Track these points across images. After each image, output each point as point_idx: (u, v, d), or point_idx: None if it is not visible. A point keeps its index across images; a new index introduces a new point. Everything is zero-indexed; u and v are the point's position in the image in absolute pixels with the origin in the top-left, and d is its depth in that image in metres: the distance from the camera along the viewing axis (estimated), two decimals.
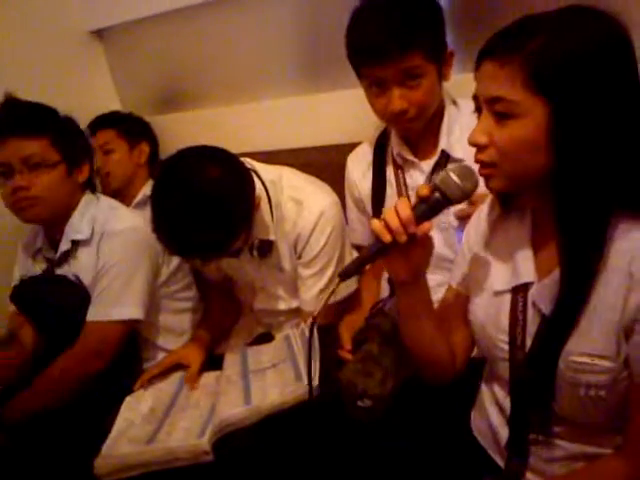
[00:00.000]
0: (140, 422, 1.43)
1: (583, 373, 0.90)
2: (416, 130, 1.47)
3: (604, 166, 0.86)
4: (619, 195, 0.88)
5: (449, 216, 1.44)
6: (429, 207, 0.99)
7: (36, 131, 1.53)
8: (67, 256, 1.61)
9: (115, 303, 1.56)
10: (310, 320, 1.07)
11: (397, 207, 0.98)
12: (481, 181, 0.98)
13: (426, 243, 1.04)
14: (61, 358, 1.55)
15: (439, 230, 1.47)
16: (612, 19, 0.86)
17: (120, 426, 1.42)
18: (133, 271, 1.58)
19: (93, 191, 1.70)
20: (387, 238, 0.98)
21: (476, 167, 0.97)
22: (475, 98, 0.95)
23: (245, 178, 1.42)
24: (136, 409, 1.48)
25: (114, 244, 1.58)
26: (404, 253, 1.02)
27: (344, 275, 1.03)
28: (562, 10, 0.88)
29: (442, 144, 1.46)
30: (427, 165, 1.49)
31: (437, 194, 0.98)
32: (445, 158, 1.45)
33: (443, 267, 1.44)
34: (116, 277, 1.56)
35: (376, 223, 1.00)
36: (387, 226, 0.98)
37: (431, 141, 1.49)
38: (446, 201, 0.99)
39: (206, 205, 1.29)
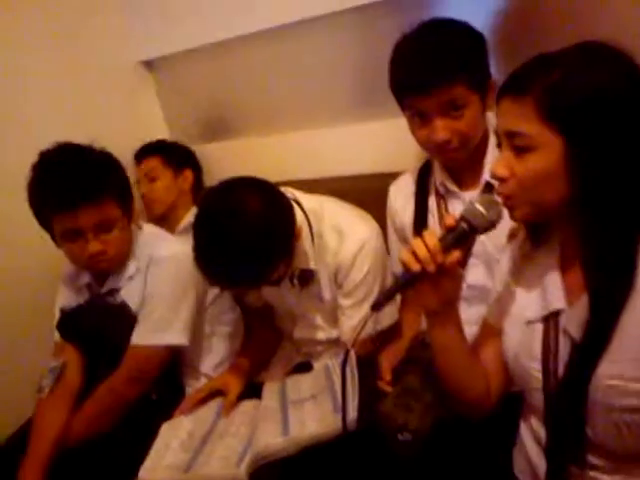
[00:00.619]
0: (178, 447, 1.43)
1: (616, 397, 0.89)
2: (460, 160, 1.45)
3: (623, 193, 0.88)
4: None
5: (491, 248, 1.42)
6: (455, 237, 1.01)
7: (106, 195, 1.53)
8: (114, 290, 1.64)
9: (160, 328, 1.58)
10: (344, 352, 1.07)
11: (424, 237, 1.00)
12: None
13: (455, 273, 1.05)
14: (105, 383, 1.57)
15: (482, 262, 1.45)
16: (624, 55, 0.89)
17: (158, 449, 1.44)
18: (179, 297, 1.61)
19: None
20: (416, 267, 0.99)
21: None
22: (496, 133, 0.99)
23: (286, 209, 1.43)
24: (174, 434, 1.49)
25: (162, 270, 1.60)
26: (433, 283, 1.03)
27: (376, 307, 1.04)
28: (577, 46, 0.93)
29: (486, 175, 1.44)
30: (470, 196, 1.47)
31: (463, 224, 1.01)
32: (489, 189, 1.43)
33: (487, 299, 1.41)
34: (162, 303, 1.58)
35: (404, 253, 1.01)
36: (415, 256, 0.99)
37: (475, 172, 1.47)
38: (472, 231, 1.01)
39: (245, 236, 1.30)
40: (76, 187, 1.47)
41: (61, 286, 1.76)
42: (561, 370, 0.97)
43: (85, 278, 1.69)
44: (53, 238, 1.57)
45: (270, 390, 1.57)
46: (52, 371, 1.63)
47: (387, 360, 1.53)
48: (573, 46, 0.92)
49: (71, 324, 1.68)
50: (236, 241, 1.30)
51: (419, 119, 1.39)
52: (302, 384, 1.55)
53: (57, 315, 1.70)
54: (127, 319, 1.60)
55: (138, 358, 1.58)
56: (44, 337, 1.76)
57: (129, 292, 1.62)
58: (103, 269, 1.61)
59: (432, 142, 1.39)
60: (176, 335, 1.60)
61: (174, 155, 2.16)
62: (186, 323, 1.61)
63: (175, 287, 1.60)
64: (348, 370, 1.39)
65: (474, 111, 1.36)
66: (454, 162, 1.48)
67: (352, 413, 1.27)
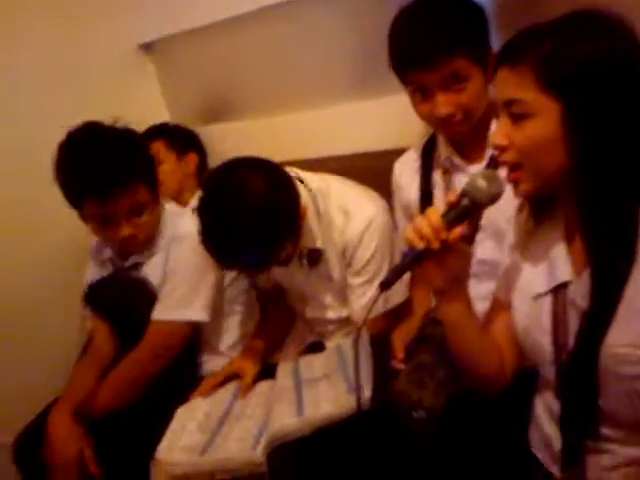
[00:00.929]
0: (194, 429, 1.45)
1: (626, 365, 0.89)
2: (464, 134, 1.44)
3: (622, 160, 0.88)
4: None
5: (499, 221, 1.41)
6: (458, 212, 1.00)
7: (137, 181, 1.55)
8: (138, 265, 1.66)
9: (182, 304, 1.60)
10: (356, 331, 1.08)
11: (427, 214, 1.00)
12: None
13: (460, 250, 1.04)
14: (129, 356, 1.60)
15: (490, 236, 1.44)
16: (618, 21, 0.89)
17: (174, 429, 1.46)
18: (200, 274, 1.62)
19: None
20: (420, 245, 0.99)
21: (503, 173, 1.00)
22: (494, 104, 0.99)
23: (290, 189, 1.43)
24: (191, 415, 1.51)
25: (183, 248, 1.61)
26: (439, 261, 1.03)
27: (385, 285, 1.03)
28: (569, 15, 0.92)
29: (491, 148, 1.43)
30: (476, 169, 1.45)
31: (465, 199, 1.00)
32: (494, 162, 1.42)
33: (496, 274, 1.41)
34: (184, 280, 1.60)
35: (408, 231, 1.01)
36: (419, 233, 0.99)
37: (479, 145, 1.45)
38: (474, 205, 1.00)
39: (250, 218, 1.30)
40: (109, 173, 1.49)
41: (89, 260, 1.79)
42: (571, 342, 0.97)
43: (108, 252, 1.72)
44: (81, 216, 1.58)
45: (284, 370, 1.58)
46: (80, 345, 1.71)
47: (399, 338, 1.53)
48: (567, 14, 0.92)
49: (96, 296, 1.71)
50: (240, 222, 1.30)
51: (421, 94, 1.37)
52: (315, 364, 1.56)
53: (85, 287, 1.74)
54: (149, 294, 1.62)
55: (161, 333, 1.61)
56: (74, 316, 1.83)
57: (151, 268, 1.64)
58: (132, 251, 1.64)
59: (435, 117, 1.37)
60: (197, 312, 1.62)
61: (177, 138, 2.15)
62: (207, 300, 1.63)
63: (196, 264, 1.61)
64: (361, 349, 1.40)
65: (476, 84, 1.34)
66: (458, 136, 1.46)
67: (366, 392, 1.28)
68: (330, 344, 1.68)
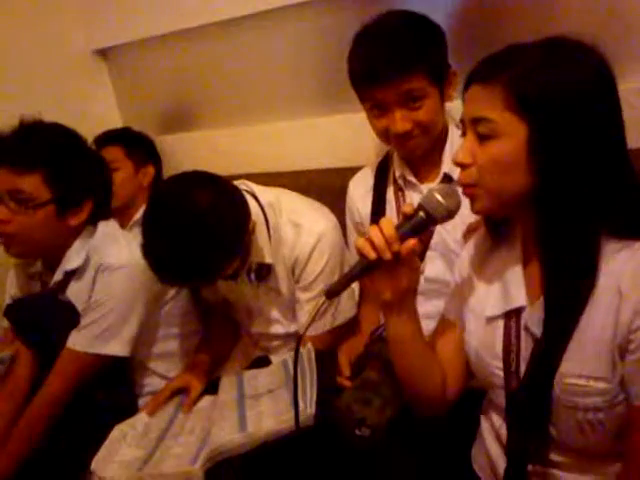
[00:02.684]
0: (132, 441, 1.42)
1: (579, 396, 0.89)
2: (419, 152, 1.45)
3: (584, 187, 0.88)
4: (603, 218, 0.89)
5: (449, 241, 1.42)
6: (413, 225, 1.00)
7: (28, 165, 1.43)
8: (62, 284, 1.56)
9: (103, 338, 1.51)
10: (296, 344, 1.05)
11: (381, 225, 0.98)
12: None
13: (412, 263, 1.03)
14: (44, 387, 1.51)
15: (440, 255, 1.45)
16: (593, 50, 0.90)
17: (112, 439, 1.41)
18: (127, 310, 1.53)
19: (101, 220, 1.60)
20: (372, 255, 0.98)
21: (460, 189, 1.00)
22: (462, 121, 0.98)
23: (237, 204, 1.40)
24: (130, 425, 1.48)
25: (111, 281, 1.52)
26: (390, 273, 1.02)
27: (330, 293, 1.02)
28: (545, 40, 0.93)
29: (445, 167, 1.44)
30: (428, 188, 1.47)
31: (421, 213, 0.99)
32: (447, 181, 1.43)
33: (446, 293, 1.41)
34: (109, 313, 1.51)
35: (360, 240, 1.00)
36: (371, 243, 0.98)
37: (434, 163, 1.47)
38: (430, 219, 1.00)
39: (195, 234, 1.28)
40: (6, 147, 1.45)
41: (13, 271, 1.70)
42: (523, 368, 0.96)
43: (38, 266, 1.63)
44: None
45: (226, 385, 1.55)
46: (1, 362, 1.58)
47: (346, 355, 1.52)
48: (543, 39, 0.93)
49: (19, 314, 1.61)
50: (183, 238, 1.28)
51: (378, 111, 1.38)
52: (259, 379, 1.53)
53: (8, 300, 1.66)
54: (73, 320, 1.53)
55: (76, 363, 1.52)
56: None
57: (76, 294, 1.54)
58: (13, 254, 1.52)
59: (392, 133, 1.38)
60: (119, 346, 1.53)
61: (137, 148, 2.09)
62: (131, 335, 1.55)
63: (124, 299, 1.53)
64: (307, 365, 1.38)
65: (433, 102, 1.36)
66: (413, 153, 1.47)
67: (310, 408, 1.26)
68: (275, 359, 1.66)
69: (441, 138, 1.46)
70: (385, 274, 1.02)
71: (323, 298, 1.40)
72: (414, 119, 1.35)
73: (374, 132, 1.45)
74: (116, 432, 1.45)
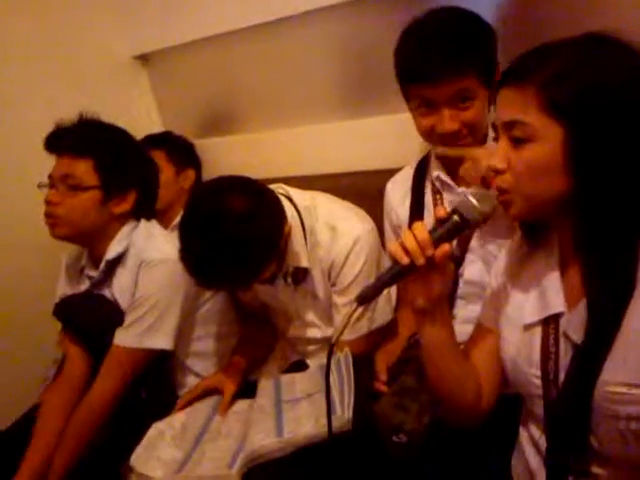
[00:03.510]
0: (171, 440, 1.44)
1: (621, 404, 0.86)
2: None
3: (623, 190, 0.85)
4: None
5: (488, 243, 1.40)
6: (447, 230, 0.97)
7: (82, 151, 1.54)
8: (107, 277, 1.62)
9: (148, 332, 1.55)
10: (329, 349, 1.03)
11: (414, 229, 0.96)
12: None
13: (445, 268, 1.01)
14: (95, 385, 1.55)
15: (478, 258, 1.43)
16: (628, 47, 0.87)
17: (151, 436, 1.45)
18: (169, 303, 1.58)
19: (143, 217, 1.67)
20: (405, 260, 0.96)
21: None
22: (494, 125, 0.95)
23: (274, 209, 1.41)
24: (168, 424, 1.50)
25: (152, 275, 1.57)
26: (423, 278, 1.00)
27: (362, 299, 1.00)
28: (579, 37, 0.90)
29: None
30: (464, 190, 1.44)
31: (455, 217, 0.97)
32: (486, 182, 1.40)
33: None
34: (152, 308, 1.55)
35: (394, 245, 0.98)
36: (404, 248, 0.96)
37: None
38: (464, 224, 0.97)
39: (230, 240, 1.28)
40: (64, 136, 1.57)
41: (63, 271, 1.76)
42: (562, 376, 0.94)
43: (83, 261, 1.69)
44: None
45: (264, 389, 1.55)
46: (56, 362, 1.65)
47: (382, 360, 1.51)
48: (577, 36, 0.90)
49: (67, 313, 1.66)
50: (219, 244, 1.29)
51: (425, 109, 1.35)
52: (297, 383, 1.53)
53: (57, 300, 1.70)
54: (117, 318, 1.58)
55: (125, 359, 1.56)
56: (47, 325, 1.76)
57: (120, 288, 1.60)
58: (57, 235, 1.57)
59: (438, 132, 1.35)
60: (162, 340, 1.57)
61: (179, 152, 2.12)
62: (174, 328, 1.59)
63: (166, 292, 1.57)
64: (343, 369, 1.37)
65: (481, 103, 1.33)
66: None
67: (347, 413, 1.24)
68: (312, 363, 1.65)
69: (479, 141, 1.42)
70: (418, 280, 1.00)
71: (356, 303, 1.39)
72: (462, 119, 1.32)
73: (418, 131, 1.41)
74: (154, 430, 1.48)
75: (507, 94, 0.91)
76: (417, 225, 0.97)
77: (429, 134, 1.39)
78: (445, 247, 0.97)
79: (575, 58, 0.86)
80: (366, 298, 1.00)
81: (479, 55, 1.29)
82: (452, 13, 1.34)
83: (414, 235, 0.96)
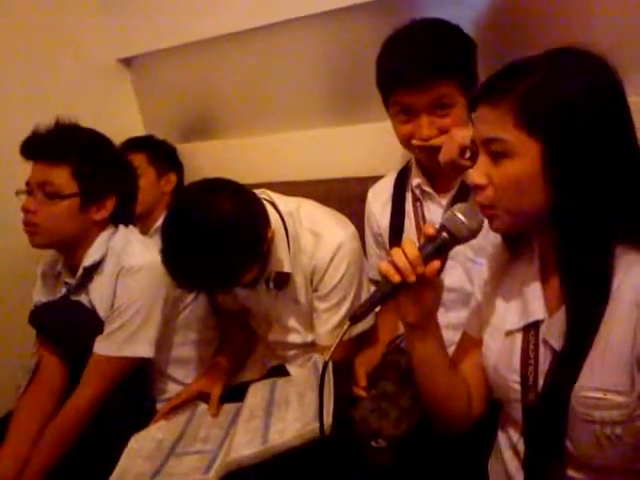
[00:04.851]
0: (146, 457, 1.42)
1: (596, 409, 0.88)
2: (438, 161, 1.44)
3: (600, 201, 0.87)
4: (620, 229, 0.89)
5: (467, 249, 1.41)
6: (436, 247, 0.99)
7: (59, 158, 1.51)
8: (84, 284, 1.59)
9: (128, 340, 1.53)
10: (323, 361, 1.04)
11: (404, 247, 0.97)
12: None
13: (435, 284, 1.03)
14: (75, 393, 1.53)
15: (458, 264, 1.44)
16: (600, 60, 0.89)
17: (127, 456, 1.42)
18: (149, 310, 1.56)
19: (122, 223, 1.64)
20: (396, 278, 0.97)
21: None
22: (473, 142, 0.97)
23: (257, 212, 1.41)
24: (143, 444, 1.48)
25: (132, 283, 1.55)
26: (413, 295, 1.01)
27: (354, 319, 1.01)
28: (551, 52, 0.91)
29: (461, 176, 1.43)
30: (445, 199, 1.46)
31: (444, 233, 0.98)
32: (465, 191, 1.42)
33: (465, 302, 1.40)
34: (134, 316, 1.53)
35: (384, 264, 0.99)
36: (395, 266, 0.97)
37: (451, 175, 1.45)
38: (453, 240, 0.99)
39: (212, 242, 1.28)
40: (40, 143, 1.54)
41: (39, 277, 1.73)
42: (541, 382, 0.95)
43: (59, 267, 1.66)
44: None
45: (258, 389, 1.54)
46: (29, 370, 1.62)
47: (362, 365, 1.51)
48: (549, 51, 0.91)
49: (43, 320, 1.64)
50: (202, 245, 1.28)
51: (404, 115, 1.37)
52: (291, 385, 1.51)
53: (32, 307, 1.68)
54: (95, 325, 1.55)
55: (105, 368, 1.54)
56: (22, 333, 1.75)
57: (98, 295, 1.57)
58: (35, 243, 1.55)
59: (417, 138, 1.37)
60: (143, 348, 1.55)
61: (160, 155, 2.11)
62: (154, 335, 1.57)
63: (146, 300, 1.55)
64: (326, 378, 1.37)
65: (460, 111, 1.35)
66: (433, 162, 1.44)
67: (327, 419, 1.24)
68: (292, 368, 1.66)
69: None
70: (409, 296, 1.01)
71: (342, 309, 1.40)
72: (440, 126, 1.34)
73: (398, 138, 1.44)
74: (133, 443, 1.46)
75: (483, 112, 0.92)
76: (407, 243, 0.98)
77: (408, 141, 1.41)
78: (435, 264, 0.98)
79: (547, 74, 0.87)
80: (358, 317, 1.01)
81: (458, 62, 1.32)
82: (432, 23, 1.38)
83: (404, 253, 0.97)
